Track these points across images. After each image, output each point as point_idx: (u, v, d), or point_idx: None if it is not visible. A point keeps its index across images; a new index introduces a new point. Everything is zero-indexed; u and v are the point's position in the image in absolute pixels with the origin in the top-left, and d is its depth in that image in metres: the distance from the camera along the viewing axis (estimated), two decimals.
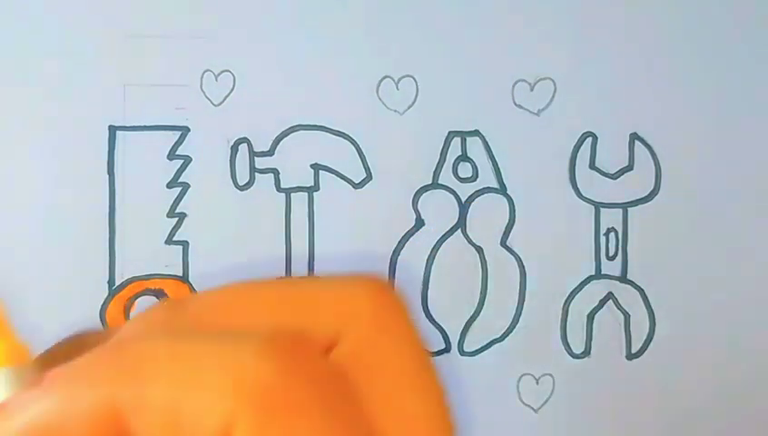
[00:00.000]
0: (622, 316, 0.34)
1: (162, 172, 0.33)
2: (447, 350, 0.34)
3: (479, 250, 0.34)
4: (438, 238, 0.34)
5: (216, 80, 0.33)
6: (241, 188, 0.33)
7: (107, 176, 0.33)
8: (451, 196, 0.34)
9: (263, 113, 0.33)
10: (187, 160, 0.33)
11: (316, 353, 0.20)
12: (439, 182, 0.34)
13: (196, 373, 0.18)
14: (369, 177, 0.33)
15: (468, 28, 0.33)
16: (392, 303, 0.23)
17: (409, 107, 0.33)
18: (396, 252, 0.33)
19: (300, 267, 0.33)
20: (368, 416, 0.21)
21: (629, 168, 0.34)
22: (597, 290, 0.34)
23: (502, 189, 0.34)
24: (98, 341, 0.21)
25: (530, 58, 0.34)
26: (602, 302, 0.34)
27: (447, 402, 0.23)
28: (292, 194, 0.33)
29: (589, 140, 0.34)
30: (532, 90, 0.34)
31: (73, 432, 0.18)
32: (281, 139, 0.33)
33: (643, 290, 0.34)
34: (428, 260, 0.34)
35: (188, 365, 0.18)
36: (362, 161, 0.33)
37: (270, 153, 0.33)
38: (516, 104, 0.34)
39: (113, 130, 0.33)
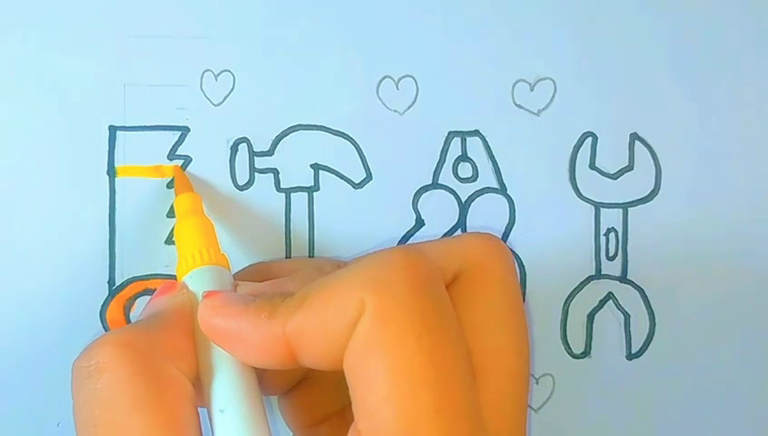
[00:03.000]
0: (622, 316, 0.34)
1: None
2: None
3: None
4: None
5: (216, 80, 0.33)
6: (241, 188, 0.33)
7: (107, 176, 0.33)
8: (451, 196, 0.34)
9: (263, 113, 0.33)
10: (187, 160, 0.33)
11: (437, 275, 0.26)
12: (439, 182, 0.34)
13: (345, 274, 0.25)
14: (369, 177, 0.33)
15: (469, 28, 0.33)
16: (500, 253, 0.29)
17: (409, 107, 0.33)
18: None
19: None
20: (467, 341, 0.26)
21: (629, 168, 0.34)
22: (597, 290, 0.34)
23: (502, 189, 0.34)
24: (276, 270, 0.31)
25: (530, 58, 0.34)
26: (602, 302, 0.34)
27: (529, 343, 0.28)
28: (292, 194, 0.33)
29: (589, 140, 0.34)
30: (532, 90, 0.34)
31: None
32: (281, 139, 0.33)
33: (643, 290, 0.34)
34: None
35: (342, 272, 0.26)
36: (362, 161, 0.33)
37: (269, 153, 0.33)
38: (516, 104, 0.34)
39: (113, 130, 0.33)
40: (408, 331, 0.24)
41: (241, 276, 0.31)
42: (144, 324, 0.27)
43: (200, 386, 0.27)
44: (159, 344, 0.26)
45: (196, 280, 0.29)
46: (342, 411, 0.30)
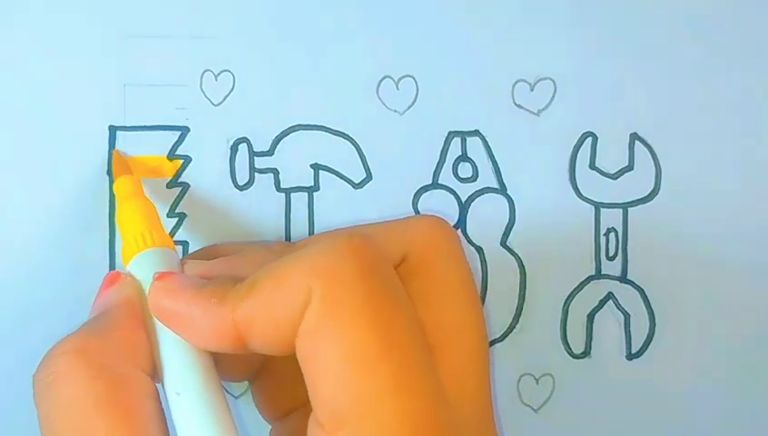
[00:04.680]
0: (622, 316, 0.34)
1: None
2: None
3: (479, 250, 0.34)
4: None
5: (216, 80, 0.33)
6: (241, 188, 0.33)
7: (107, 176, 0.33)
8: (451, 196, 0.34)
9: (263, 114, 0.33)
10: (187, 160, 0.33)
11: (384, 256, 0.26)
12: (439, 182, 0.34)
13: (292, 261, 0.25)
14: (369, 177, 0.33)
15: (468, 28, 0.33)
16: (446, 233, 0.29)
17: (409, 107, 0.33)
18: None
19: None
20: (420, 319, 0.26)
21: (629, 168, 0.34)
22: (597, 290, 0.34)
23: (502, 189, 0.34)
24: (227, 252, 0.30)
25: (530, 58, 0.34)
26: (602, 302, 0.34)
27: (484, 318, 0.28)
28: (292, 194, 0.33)
29: (589, 140, 0.34)
30: (532, 90, 0.34)
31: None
32: (281, 139, 0.33)
33: (643, 290, 0.34)
34: None
35: (289, 258, 0.25)
36: (362, 161, 0.33)
37: (269, 152, 0.33)
38: (516, 104, 0.34)
39: (113, 130, 0.33)
40: (358, 313, 0.24)
41: (192, 258, 0.31)
42: (95, 325, 0.27)
43: (157, 374, 0.27)
44: (112, 344, 0.26)
45: (142, 264, 0.29)
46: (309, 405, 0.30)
